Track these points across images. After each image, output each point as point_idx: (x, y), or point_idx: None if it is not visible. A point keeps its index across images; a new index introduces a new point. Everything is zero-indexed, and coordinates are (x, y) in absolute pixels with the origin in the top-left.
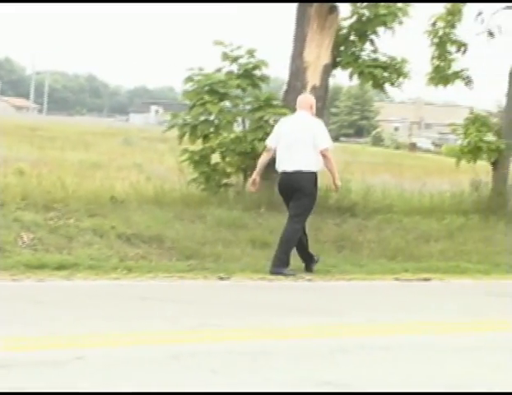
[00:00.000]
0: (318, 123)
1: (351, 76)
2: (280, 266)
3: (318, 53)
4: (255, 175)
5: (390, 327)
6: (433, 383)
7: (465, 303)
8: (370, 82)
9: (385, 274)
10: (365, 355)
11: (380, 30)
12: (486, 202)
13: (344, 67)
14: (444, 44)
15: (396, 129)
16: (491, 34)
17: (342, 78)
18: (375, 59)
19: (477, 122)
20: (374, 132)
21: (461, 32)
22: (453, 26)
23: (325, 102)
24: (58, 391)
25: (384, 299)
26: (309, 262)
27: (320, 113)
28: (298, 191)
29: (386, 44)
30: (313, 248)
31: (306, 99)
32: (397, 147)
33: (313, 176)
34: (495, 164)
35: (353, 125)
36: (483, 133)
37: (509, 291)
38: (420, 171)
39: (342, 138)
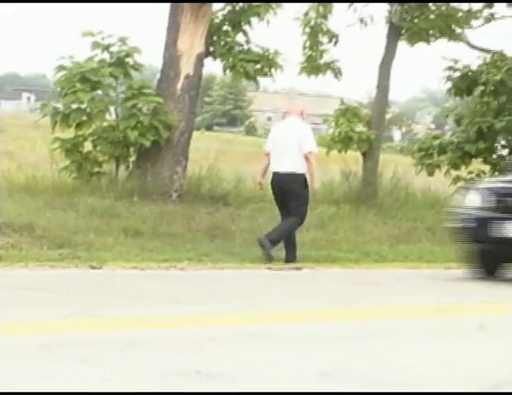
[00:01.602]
0: (307, 128)
1: (224, 70)
2: (269, 243)
3: (191, 43)
4: (259, 179)
5: (260, 315)
6: (303, 371)
7: (334, 291)
8: (243, 78)
9: (257, 263)
10: (235, 344)
11: (254, 20)
12: (356, 192)
13: (217, 57)
14: (315, 34)
15: (269, 119)
16: (362, 22)
17: (215, 67)
18: (248, 50)
19: (348, 112)
20: (247, 122)
21: (333, 23)
22: (324, 17)
23: (198, 91)
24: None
25: (255, 287)
26: (290, 251)
27: (193, 102)
28: (289, 191)
29: (259, 34)
30: (185, 237)
31: (297, 106)
32: None
33: (301, 177)
34: (365, 154)
35: (226, 114)
36: (354, 124)
37: (377, 280)
38: None
39: (216, 127)
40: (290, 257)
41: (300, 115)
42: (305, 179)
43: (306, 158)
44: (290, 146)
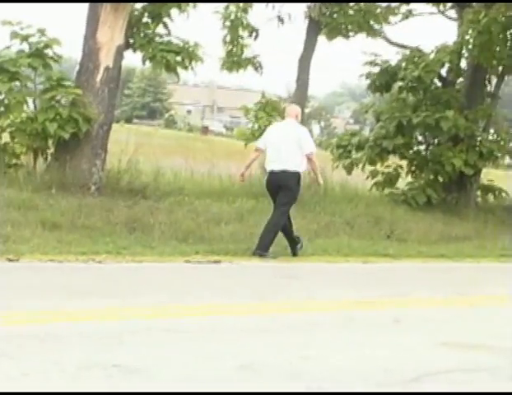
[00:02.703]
0: (304, 130)
1: (144, 61)
2: (264, 249)
3: (111, 35)
4: (244, 170)
5: (179, 309)
6: (223, 365)
7: (253, 285)
8: (163, 68)
9: (176, 256)
10: (154, 337)
11: (174, 12)
12: None
13: (137, 49)
14: (236, 28)
15: (189, 112)
16: (281, 20)
17: (135, 60)
18: (169, 43)
19: (268, 106)
20: (167, 115)
21: (253, 17)
22: (245, 11)
23: (118, 83)
24: None
25: (174, 281)
26: (293, 245)
27: (113, 94)
28: (284, 187)
29: (180, 27)
30: (104, 230)
31: (293, 109)
32: (190, 130)
33: (297, 175)
34: None
35: (146, 107)
36: (274, 117)
37: (295, 274)
38: (211, 154)
39: (135, 120)
40: (296, 250)
41: (296, 118)
42: (300, 177)
43: (309, 158)
44: (290, 146)
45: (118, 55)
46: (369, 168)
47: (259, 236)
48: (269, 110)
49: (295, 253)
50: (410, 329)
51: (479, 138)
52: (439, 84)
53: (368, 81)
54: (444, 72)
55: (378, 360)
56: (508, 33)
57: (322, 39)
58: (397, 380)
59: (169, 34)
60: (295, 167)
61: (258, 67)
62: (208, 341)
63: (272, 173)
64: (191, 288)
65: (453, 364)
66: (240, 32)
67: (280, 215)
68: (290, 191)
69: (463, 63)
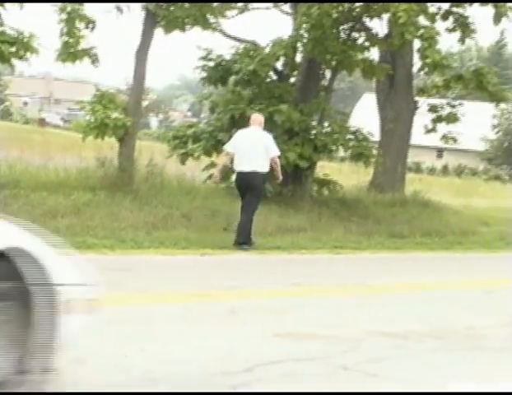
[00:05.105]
0: (269, 136)
1: None
2: (246, 241)
3: None
4: (217, 173)
5: None
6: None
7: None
8: None
9: None
10: None
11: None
12: (112, 179)
13: None
14: (72, 20)
15: (25, 104)
16: (120, 10)
17: None
18: (2, 33)
19: (105, 99)
20: (2, 106)
21: (90, 8)
22: (80, 2)
23: None
24: None
25: None
26: (243, 240)
27: None
28: (252, 186)
29: (15, 18)
30: None
31: (257, 117)
32: (26, 122)
33: (263, 175)
34: (121, 141)
35: None
36: (110, 110)
37: (131, 266)
38: (48, 146)
39: None
40: (245, 241)
41: (260, 125)
42: (265, 177)
43: (273, 160)
44: (257, 150)
45: None
46: (207, 160)
47: (236, 233)
48: (106, 103)
49: (239, 243)
50: (245, 320)
51: (314, 132)
52: (275, 78)
53: (203, 75)
54: (281, 66)
55: (212, 350)
56: (340, 28)
57: (159, 31)
58: (231, 371)
59: (2, 24)
60: (262, 168)
61: (94, 59)
62: None
63: (241, 173)
64: None
65: (285, 354)
66: (77, 24)
67: (251, 211)
68: (256, 190)
69: (299, 57)
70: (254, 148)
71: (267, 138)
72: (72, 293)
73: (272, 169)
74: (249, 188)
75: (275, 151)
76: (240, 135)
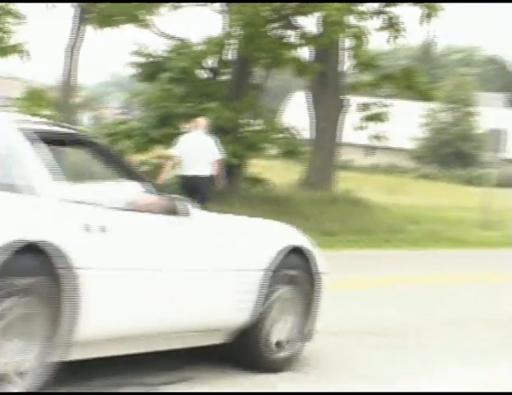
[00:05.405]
0: (212, 140)
1: None
2: None
3: None
4: (163, 176)
5: None
6: None
7: None
8: None
9: None
10: None
11: None
12: None
13: None
14: (3, 15)
15: None
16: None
17: None
18: None
19: (34, 95)
20: None
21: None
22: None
23: None
24: None
25: None
26: None
27: None
28: (196, 189)
29: None
30: None
31: (202, 121)
32: None
33: (208, 178)
34: None
35: None
36: (40, 107)
37: None
38: None
39: None
40: None
41: (204, 128)
42: (210, 179)
43: (217, 162)
44: (201, 154)
45: None
46: (137, 158)
47: None
48: (35, 99)
49: None
50: None
51: (244, 130)
52: (206, 75)
53: (134, 71)
54: (213, 64)
55: None
56: (272, 26)
57: (91, 28)
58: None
59: None
60: (205, 171)
61: (24, 54)
62: None
63: (185, 177)
64: None
65: None
66: (8, 19)
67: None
68: (201, 192)
69: (232, 56)
70: (199, 151)
71: (211, 143)
72: (326, 281)
73: (215, 172)
74: (194, 190)
75: (218, 155)
76: (185, 139)
